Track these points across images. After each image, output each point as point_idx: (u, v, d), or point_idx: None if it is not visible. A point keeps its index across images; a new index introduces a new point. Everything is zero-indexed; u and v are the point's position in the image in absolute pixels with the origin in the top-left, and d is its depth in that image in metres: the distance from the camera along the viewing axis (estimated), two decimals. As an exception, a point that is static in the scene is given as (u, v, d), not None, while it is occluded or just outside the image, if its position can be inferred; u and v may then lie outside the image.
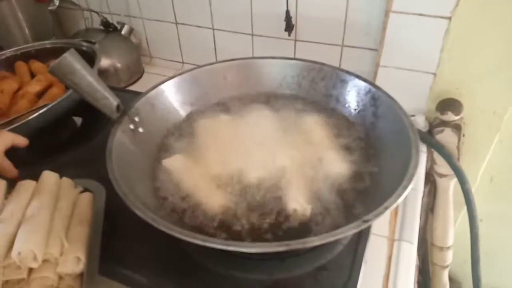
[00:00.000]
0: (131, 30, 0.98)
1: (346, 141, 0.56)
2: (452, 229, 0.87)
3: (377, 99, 0.56)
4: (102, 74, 0.90)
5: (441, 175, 0.81)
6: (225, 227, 0.46)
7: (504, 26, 0.65)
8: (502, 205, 0.93)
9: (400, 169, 0.45)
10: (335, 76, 0.61)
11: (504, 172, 0.88)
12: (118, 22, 0.97)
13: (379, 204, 0.41)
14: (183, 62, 1.02)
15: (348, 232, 0.37)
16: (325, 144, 0.55)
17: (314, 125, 0.58)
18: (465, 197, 0.78)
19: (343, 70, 0.61)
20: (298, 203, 0.45)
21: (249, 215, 0.46)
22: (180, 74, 0.61)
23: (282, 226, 0.45)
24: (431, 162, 0.81)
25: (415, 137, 0.48)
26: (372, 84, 0.58)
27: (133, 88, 0.96)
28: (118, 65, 0.93)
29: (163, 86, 0.59)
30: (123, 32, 0.96)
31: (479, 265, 0.85)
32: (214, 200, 0.47)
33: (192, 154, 0.55)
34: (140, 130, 0.55)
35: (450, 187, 0.82)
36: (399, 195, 0.41)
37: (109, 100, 0.51)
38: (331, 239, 0.37)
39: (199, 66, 0.63)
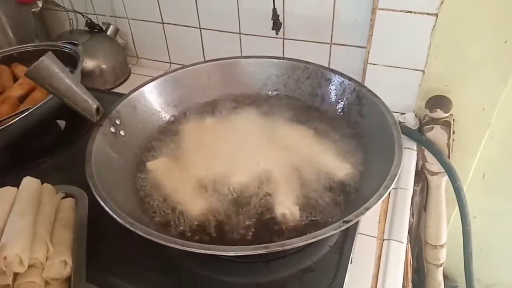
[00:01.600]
0: (116, 31, 0.97)
1: (332, 142, 0.55)
2: (445, 227, 0.87)
3: (362, 97, 0.56)
4: (88, 76, 0.88)
5: (433, 173, 0.80)
6: (208, 231, 0.45)
7: (490, 21, 0.64)
8: (495, 201, 0.93)
9: (385, 169, 0.45)
10: (320, 75, 0.60)
11: (496, 168, 0.87)
12: (103, 23, 0.96)
13: (361, 204, 0.40)
14: (170, 63, 1.01)
15: (328, 233, 0.37)
16: (310, 145, 0.54)
17: (300, 126, 0.57)
18: (456, 195, 0.77)
19: (327, 69, 0.60)
20: (285, 207, 0.44)
21: (232, 218, 0.45)
22: (163, 75, 0.60)
23: (268, 229, 0.44)
24: (422, 160, 0.80)
25: (398, 134, 0.47)
26: (357, 82, 0.57)
27: (119, 89, 0.94)
28: (104, 66, 0.91)
29: (145, 88, 0.58)
30: (108, 33, 0.95)
31: (472, 262, 0.84)
32: (196, 204, 0.46)
33: (176, 157, 0.54)
34: (122, 133, 0.54)
35: (442, 185, 0.82)
36: (380, 196, 0.40)
37: (89, 103, 0.50)
38: (311, 241, 0.36)
39: (182, 67, 0.62)
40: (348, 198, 0.47)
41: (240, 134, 0.55)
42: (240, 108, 0.61)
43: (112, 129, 0.52)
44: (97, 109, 0.51)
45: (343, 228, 0.37)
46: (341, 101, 0.59)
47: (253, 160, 0.50)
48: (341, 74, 0.59)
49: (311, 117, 0.60)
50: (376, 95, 0.54)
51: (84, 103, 0.50)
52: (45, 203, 0.49)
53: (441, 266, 0.92)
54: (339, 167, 0.51)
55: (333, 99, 0.60)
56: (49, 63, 0.47)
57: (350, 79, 0.58)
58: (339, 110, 0.59)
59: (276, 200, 0.46)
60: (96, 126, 0.51)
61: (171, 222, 0.46)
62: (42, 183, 0.53)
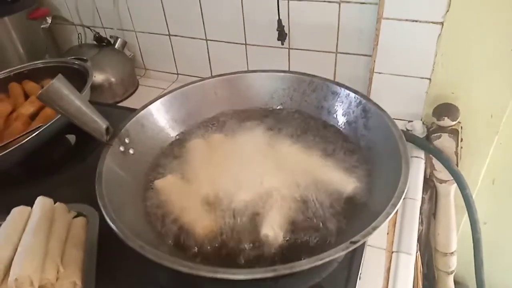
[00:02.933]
0: (124, 44, 0.98)
1: (338, 157, 0.55)
2: (455, 234, 0.86)
3: (367, 110, 0.56)
4: (97, 89, 0.90)
5: (441, 181, 0.80)
6: (213, 250, 0.45)
7: (496, 29, 0.64)
8: (505, 206, 0.92)
9: (391, 184, 0.45)
10: (326, 88, 0.61)
11: (506, 173, 0.86)
12: (111, 36, 0.97)
13: (369, 223, 0.40)
14: (177, 74, 1.02)
15: (335, 254, 0.37)
16: (316, 160, 0.54)
17: (306, 140, 0.58)
18: (466, 202, 0.76)
19: (333, 82, 0.60)
20: (271, 229, 0.44)
21: (233, 238, 0.45)
22: (170, 92, 0.61)
23: (260, 250, 0.44)
24: (430, 167, 0.80)
25: (404, 149, 0.47)
26: (362, 95, 0.57)
27: (128, 101, 0.96)
28: (112, 79, 0.93)
29: (152, 106, 0.59)
30: (116, 46, 0.97)
31: (483, 269, 0.84)
32: (202, 223, 0.47)
33: (183, 175, 0.54)
34: (131, 151, 0.54)
35: (451, 193, 0.81)
36: (388, 214, 0.40)
37: (98, 123, 0.51)
38: (319, 262, 0.36)
39: (189, 83, 0.63)
40: (355, 215, 0.47)
41: (246, 150, 0.55)
42: (247, 123, 0.61)
43: (122, 148, 0.53)
44: (107, 129, 0.52)
45: (350, 249, 0.37)
46: (347, 114, 0.59)
47: (258, 178, 0.50)
48: (347, 87, 0.59)
49: (317, 130, 0.60)
50: (381, 109, 0.54)
51: (93, 123, 0.51)
52: (58, 222, 0.50)
53: (452, 273, 0.92)
54: (346, 182, 0.51)
55: (339, 112, 0.60)
56: (59, 86, 0.48)
57: (355, 92, 0.58)
58: (345, 123, 0.60)
59: (266, 220, 0.46)
60: (106, 146, 0.52)
61: (179, 240, 0.46)
62: (53, 199, 0.54)
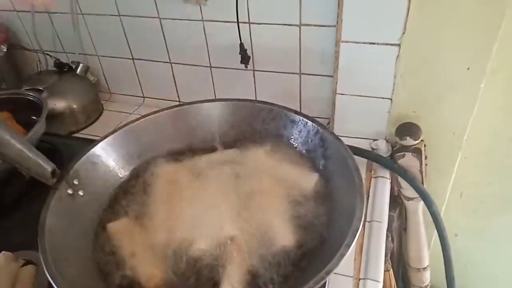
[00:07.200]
0: (87, 69, 0.95)
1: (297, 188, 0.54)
2: (427, 250, 0.86)
3: (324, 139, 0.55)
4: (57, 118, 0.87)
5: (408, 198, 0.80)
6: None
7: (451, 49, 0.65)
8: (474, 218, 0.93)
9: (347, 220, 0.44)
10: (284, 117, 0.60)
11: (472, 186, 0.88)
12: (72, 62, 0.95)
13: (322, 267, 0.39)
14: (143, 97, 1.00)
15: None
16: (277, 196, 0.52)
17: (266, 171, 0.56)
18: (434, 220, 0.77)
19: (291, 110, 0.59)
20: (230, 285, 0.42)
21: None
22: (122, 127, 0.59)
23: None
24: (397, 185, 0.80)
25: (359, 182, 0.46)
26: (319, 124, 0.56)
27: (92, 128, 0.92)
28: (74, 106, 0.90)
29: (104, 142, 0.56)
30: (78, 71, 0.94)
31: (454, 286, 0.84)
32: (149, 272, 0.44)
33: (138, 217, 0.52)
34: (80, 193, 0.52)
35: (419, 209, 0.81)
36: (342, 255, 0.39)
37: (43, 167, 0.49)
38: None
39: (142, 116, 0.61)
40: (314, 255, 0.46)
41: (206, 189, 0.53)
42: (207, 158, 0.59)
43: (70, 191, 0.51)
44: (53, 171, 0.49)
45: (302, 298, 0.36)
46: (306, 143, 0.58)
47: (217, 223, 0.48)
48: (305, 116, 0.58)
49: (277, 159, 0.59)
50: (338, 138, 0.53)
51: (37, 168, 0.48)
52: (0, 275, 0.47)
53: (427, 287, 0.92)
54: (297, 230, 0.48)
55: (299, 141, 0.59)
56: (-2, 131, 0.45)
57: (313, 120, 0.57)
58: (305, 151, 0.59)
59: (225, 275, 0.43)
60: (51, 190, 0.49)
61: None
62: (1, 247, 0.51)
